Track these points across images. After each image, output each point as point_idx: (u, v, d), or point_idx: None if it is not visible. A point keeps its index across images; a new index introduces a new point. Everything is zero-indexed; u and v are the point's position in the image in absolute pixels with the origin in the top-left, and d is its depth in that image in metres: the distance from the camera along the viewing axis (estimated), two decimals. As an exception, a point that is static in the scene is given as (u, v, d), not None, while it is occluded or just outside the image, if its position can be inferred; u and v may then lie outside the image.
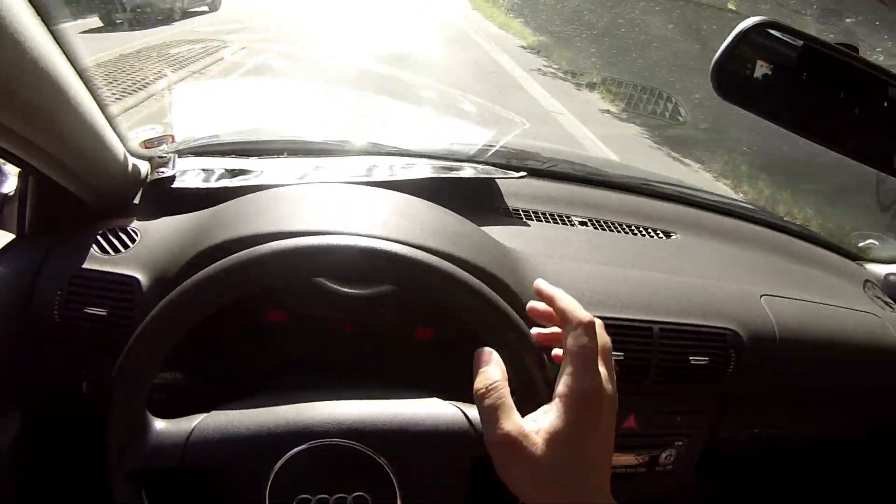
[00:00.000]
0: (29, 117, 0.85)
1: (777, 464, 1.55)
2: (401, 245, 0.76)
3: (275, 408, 0.80)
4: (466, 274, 0.76)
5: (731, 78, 0.81)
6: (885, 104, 0.85)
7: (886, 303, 1.61)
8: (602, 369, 0.68)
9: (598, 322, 0.72)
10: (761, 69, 0.82)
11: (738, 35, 0.79)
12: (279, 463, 0.76)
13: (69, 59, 0.93)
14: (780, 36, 0.82)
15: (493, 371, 0.70)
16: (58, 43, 0.90)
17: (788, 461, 1.55)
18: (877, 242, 1.89)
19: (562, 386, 0.67)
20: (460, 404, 0.83)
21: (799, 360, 1.30)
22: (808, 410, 1.40)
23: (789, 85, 0.84)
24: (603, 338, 0.71)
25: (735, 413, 1.31)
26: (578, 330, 0.69)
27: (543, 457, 0.64)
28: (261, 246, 0.74)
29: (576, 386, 0.66)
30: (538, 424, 0.66)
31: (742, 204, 1.76)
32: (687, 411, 1.25)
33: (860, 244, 1.88)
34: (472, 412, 0.81)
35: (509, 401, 0.68)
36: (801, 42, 0.82)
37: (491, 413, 0.67)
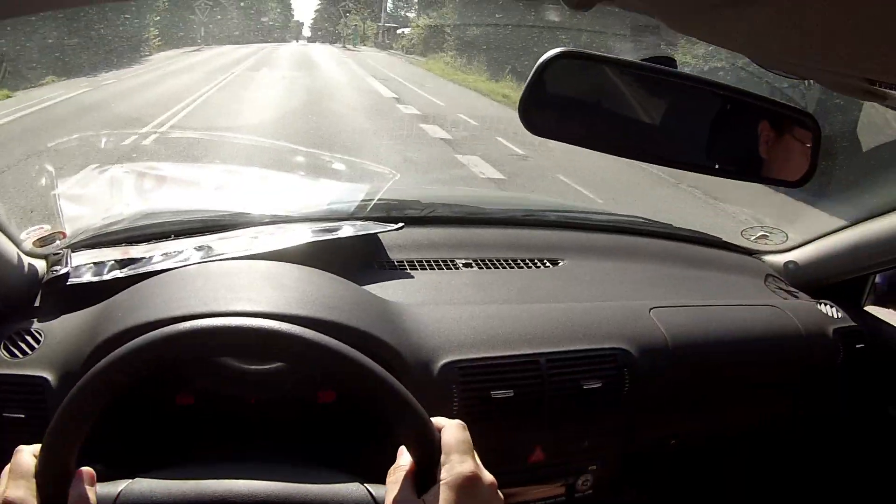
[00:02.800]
0: None
1: (701, 467, 1.56)
2: (271, 321, 0.79)
3: (197, 481, 0.82)
4: (346, 346, 0.78)
5: (539, 113, 0.83)
6: (702, 107, 0.89)
7: (790, 292, 1.64)
8: (477, 460, 0.77)
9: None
10: (567, 99, 0.85)
11: (537, 70, 0.81)
12: None
13: None
14: (582, 63, 0.85)
15: (403, 458, 0.79)
16: None
17: (711, 462, 1.57)
18: (768, 234, 1.94)
19: (443, 472, 0.74)
20: (370, 486, 0.84)
21: (697, 364, 1.32)
22: (719, 408, 1.42)
23: (597, 109, 0.87)
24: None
25: (646, 426, 1.32)
26: (453, 427, 0.79)
27: None
28: (132, 341, 0.78)
29: (455, 471, 0.74)
30: (425, 502, 0.73)
31: (629, 218, 1.79)
32: (593, 433, 1.25)
33: (752, 238, 1.92)
34: (378, 492, 0.83)
35: (408, 483, 0.76)
36: (604, 65, 0.85)
37: (391, 487, 0.77)
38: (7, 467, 0.77)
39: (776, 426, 1.55)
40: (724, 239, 1.86)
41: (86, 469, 0.79)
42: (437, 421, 0.80)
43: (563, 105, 0.85)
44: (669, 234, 1.78)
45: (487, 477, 0.75)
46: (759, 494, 1.61)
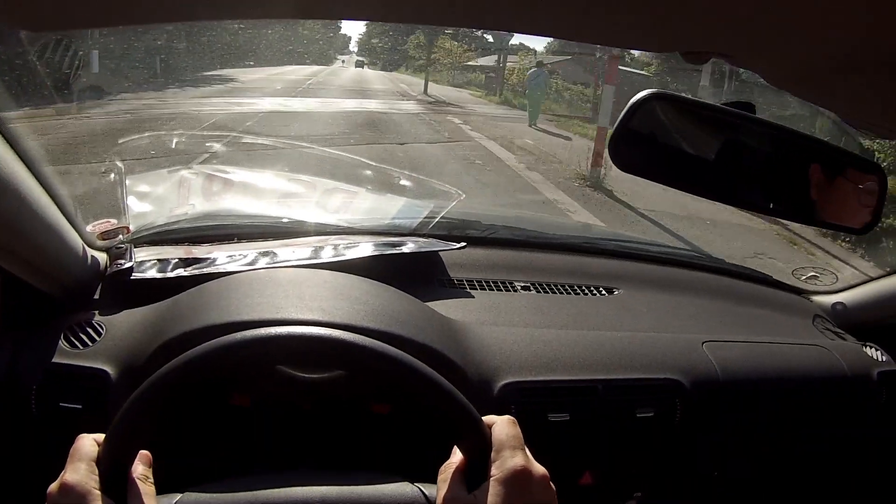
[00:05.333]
0: None
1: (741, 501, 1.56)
2: (348, 333, 0.79)
3: (249, 492, 0.82)
4: (416, 361, 0.79)
5: (628, 151, 0.86)
6: (778, 155, 0.91)
7: (837, 333, 1.64)
8: (528, 454, 0.77)
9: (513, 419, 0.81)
10: (653, 138, 0.87)
11: (630, 109, 0.84)
12: None
13: (26, 164, 1.01)
14: (672, 106, 0.87)
15: (454, 456, 0.79)
16: (14, 150, 0.98)
17: (751, 498, 1.56)
18: (818, 275, 1.94)
19: (494, 468, 0.75)
20: (421, 485, 0.86)
21: (746, 399, 1.33)
22: (763, 443, 1.42)
23: (685, 150, 0.89)
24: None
25: (692, 457, 1.33)
26: (503, 423, 0.79)
27: None
28: (212, 341, 0.78)
29: (506, 466, 0.74)
30: (476, 497, 0.74)
31: (684, 252, 1.80)
32: (642, 461, 1.27)
33: (803, 278, 1.92)
34: (430, 491, 0.84)
35: (459, 479, 0.77)
36: (693, 108, 0.88)
37: (441, 484, 0.77)
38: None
39: (817, 465, 1.54)
40: (775, 278, 1.86)
41: (145, 452, 0.80)
42: (488, 418, 0.80)
43: (650, 144, 0.87)
44: (721, 269, 1.79)
45: (539, 470, 0.75)
46: None
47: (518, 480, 0.73)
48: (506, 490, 0.72)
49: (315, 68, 22.51)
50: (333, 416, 1.12)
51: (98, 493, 0.74)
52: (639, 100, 0.84)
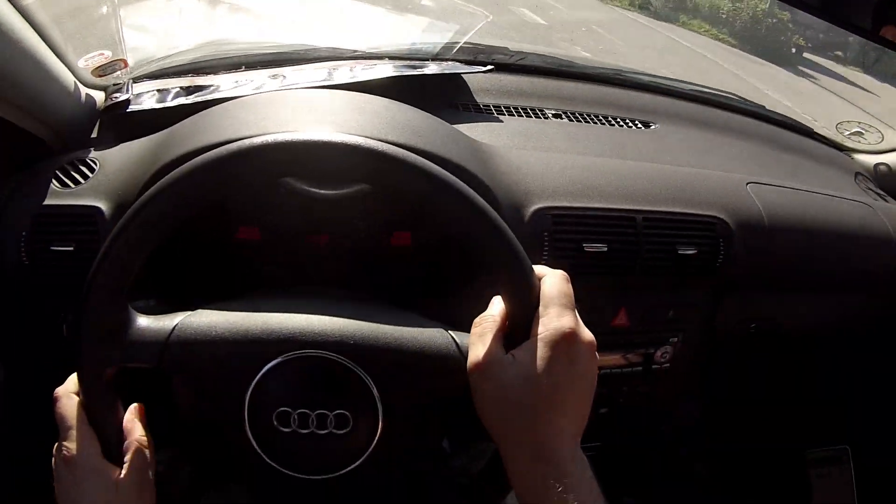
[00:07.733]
0: None
1: (780, 366, 1.52)
2: (369, 140, 0.71)
3: (260, 314, 0.75)
4: (445, 172, 0.70)
5: None
6: None
7: (878, 194, 1.56)
8: (578, 316, 0.70)
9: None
10: None
11: None
12: (261, 372, 0.73)
13: None
14: None
15: (493, 308, 0.73)
16: None
17: (791, 362, 1.52)
18: (863, 131, 1.84)
19: (539, 326, 0.68)
20: (453, 333, 0.78)
21: (790, 247, 1.26)
22: (803, 299, 1.36)
23: None
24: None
25: (730, 306, 1.27)
26: (555, 277, 0.71)
27: (511, 388, 0.67)
28: (226, 146, 0.70)
29: (552, 325, 0.67)
30: (515, 358, 0.68)
31: (724, 93, 1.68)
32: (679, 305, 1.20)
33: (846, 133, 1.82)
34: (463, 340, 0.77)
35: (496, 333, 0.70)
36: None
37: (476, 340, 0.71)
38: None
39: (854, 330, 1.49)
40: (815, 130, 1.76)
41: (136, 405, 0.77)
42: (538, 269, 0.72)
43: None
44: (761, 114, 1.68)
45: (587, 335, 0.69)
46: (827, 400, 1.57)
47: (564, 343, 0.67)
48: (550, 353, 0.66)
49: None
50: (350, 247, 1.05)
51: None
52: None
